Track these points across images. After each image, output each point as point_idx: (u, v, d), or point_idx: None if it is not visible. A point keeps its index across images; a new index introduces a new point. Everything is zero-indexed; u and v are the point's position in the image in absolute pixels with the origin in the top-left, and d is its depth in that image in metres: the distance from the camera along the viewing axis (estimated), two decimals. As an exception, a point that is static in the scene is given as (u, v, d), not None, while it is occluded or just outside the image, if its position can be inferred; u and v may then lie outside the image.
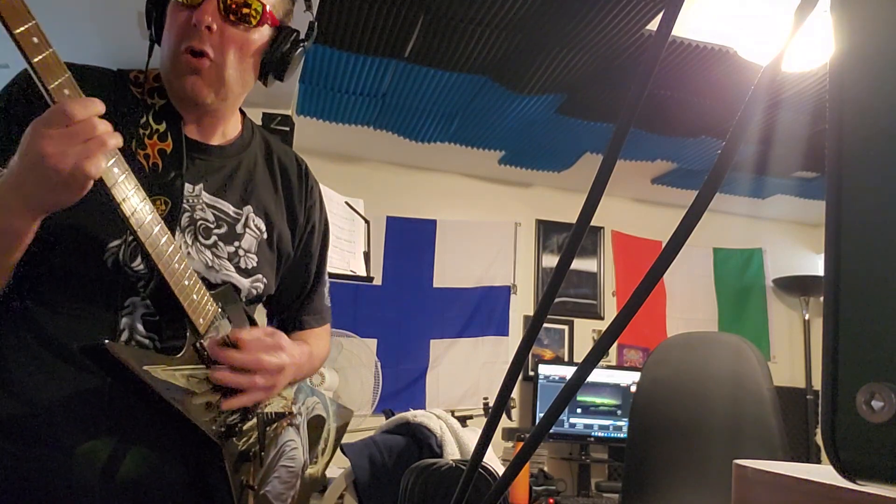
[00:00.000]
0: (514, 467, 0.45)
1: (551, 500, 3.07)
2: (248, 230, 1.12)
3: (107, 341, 0.87)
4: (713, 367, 1.59)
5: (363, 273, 2.81)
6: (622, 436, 3.52)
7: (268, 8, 1.04)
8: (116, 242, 0.98)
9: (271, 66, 1.10)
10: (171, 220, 1.00)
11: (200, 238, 1.05)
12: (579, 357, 3.98)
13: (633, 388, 3.54)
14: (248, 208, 1.13)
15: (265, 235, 1.15)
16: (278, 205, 1.19)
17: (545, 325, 3.95)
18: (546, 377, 3.57)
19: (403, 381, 3.63)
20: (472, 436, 2.08)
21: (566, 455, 3.67)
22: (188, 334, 0.98)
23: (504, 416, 2.36)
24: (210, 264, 1.06)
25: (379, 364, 3.01)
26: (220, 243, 1.08)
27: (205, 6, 0.99)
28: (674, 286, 4.17)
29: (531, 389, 3.62)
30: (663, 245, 0.41)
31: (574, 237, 0.44)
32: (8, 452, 0.94)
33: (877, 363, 0.31)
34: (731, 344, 1.60)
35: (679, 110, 3.02)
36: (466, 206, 4.01)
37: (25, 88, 0.98)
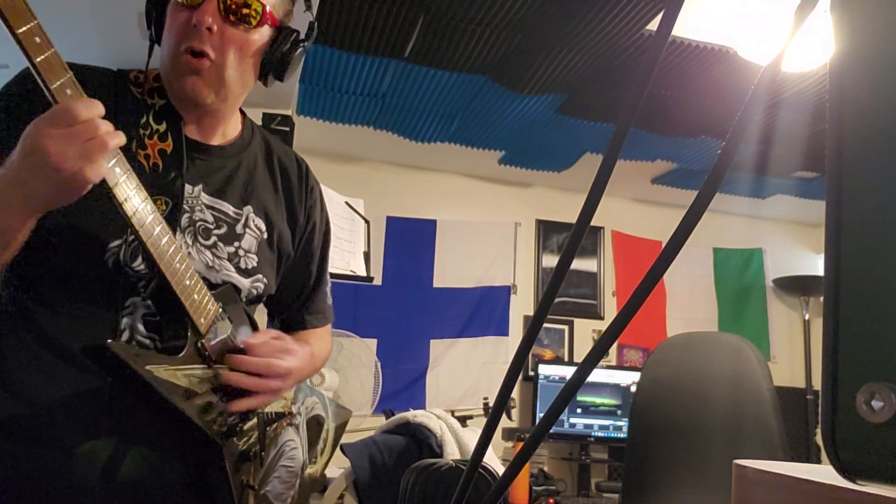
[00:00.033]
0: (514, 467, 0.45)
1: (551, 500, 3.07)
2: (248, 230, 1.12)
3: (109, 341, 0.88)
4: (713, 367, 1.59)
5: (363, 273, 2.81)
6: (622, 436, 3.52)
7: (268, 8, 1.04)
8: (117, 242, 0.98)
9: (271, 66, 1.10)
10: (172, 221, 1.00)
11: (200, 239, 1.05)
12: (579, 357, 3.98)
13: (633, 388, 3.54)
14: (248, 208, 1.13)
15: (265, 235, 1.15)
16: (278, 204, 1.19)
17: (545, 325, 3.95)
18: (546, 377, 3.57)
19: (403, 381, 3.63)
20: (472, 436, 2.08)
21: (566, 455, 3.67)
22: (189, 334, 0.98)
23: (504, 416, 2.36)
24: (210, 264, 1.06)
25: (379, 364, 3.01)
26: (220, 244, 1.08)
27: (205, 6, 0.99)
28: (674, 286, 4.17)
29: (531, 389, 3.62)
30: (663, 245, 0.41)
31: (574, 237, 0.44)
32: (8, 452, 0.94)
33: (877, 363, 0.31)
34: (731, 344, 1.60)
35: (679, 110, 3.02)
36: (466, 206, 4.01)
37: (26, 86, 0.98)
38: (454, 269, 3.88)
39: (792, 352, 4.30)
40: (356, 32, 2.53)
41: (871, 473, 0.32)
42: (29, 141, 0.81)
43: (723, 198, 4.02)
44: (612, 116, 3.12)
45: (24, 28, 0.79)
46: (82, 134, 0.81)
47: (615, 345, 3.94)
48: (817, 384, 4.00)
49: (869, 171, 0.33)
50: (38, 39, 0.80)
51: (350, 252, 2.75)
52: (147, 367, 0.90)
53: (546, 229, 4.12)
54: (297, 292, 1.28)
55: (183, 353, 0.96)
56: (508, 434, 3.40)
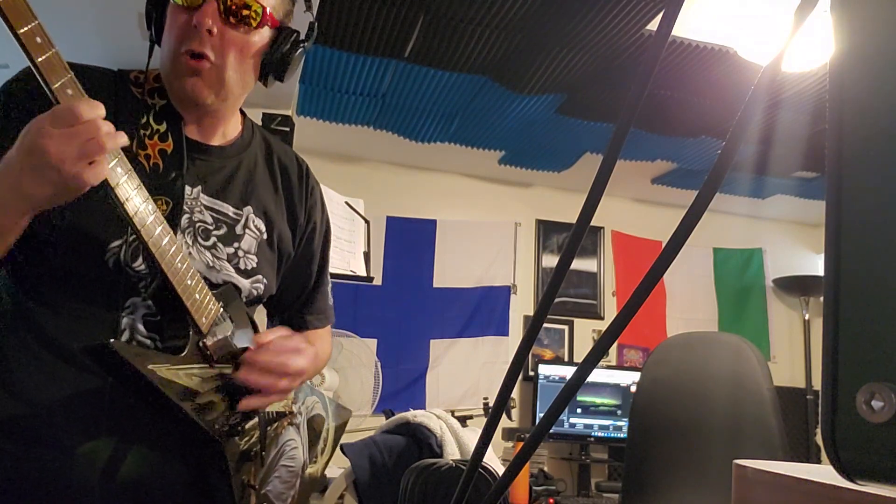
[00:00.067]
0: (514, 467, 0.45)
1: (551, 500, 3.07)
2: (247, 231, 1.12)
3: (111, 340, 0.88)
4: (713, 367, 1.59)
5: (363, 273, 2.81)
6: (622, 436, 3.52)
7: (268, 10, 1.04)
8: (117, 243, 0.98)
9: (271, 66, 1.10)
10: (172, 221, 1.00)
11: (200, 240, 1.05)
12: (579, 357, 3.98)
13: (633, 388, 3.54)
14: (248, 209, 1.13)
15: (265, 236, 1.15)
16: (278, 205, 1.19)
17: (545, 325, 3.95)
18: (546, 377, 3.57)
19: (403, 381, 3.63)
20: (472, 436, 2.08)
21: (566, 455, 3.68)
22: (191, 334, 0.98)
23: (504, 416, 2.36)
24: (211, 264, 1.06)
25: (379, 364, 3.01)
26: (220, 244, 1.08)
27: (205, 8, 0.98)
28: (674, 286, 4.17)
29: (531, 389, 3.62)
30: (663, 245, 0.41)
31: (574, 237, 0.44)
32: (8, 452, 0.94)
33: (877, 363, 0.31)
34: (731, 344, 1.60)
35: (679, 110, 3.02)
36: (466, 206, 4.01)
37: (27, 84, 0.98)
38: (454, 269, 3.88)
39: (792, 352, 4.30)
40: (356, 32, 2.53)
41: (871, 473, 0.32)
42: (28, 139, 0.81)
43: (723, 198, 4.03)
44: (612, 116, 3.12)
45: (26, 28, 0.79)
46: (83, 134, 0.81)
47: (615, 345, 3.95)
48: (817, 384, 4.00)
49: (869, 171, 0.33)
50: (39, 39, 0.81)
51: (350, 252, 2.75)
52: (149, 367, 0.90)
53: (546, 229, 4.13)
54: (297, 293, 1.28)
55: (184, 352, 0.97)
56: (508, 434, 3.40)
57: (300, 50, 1.11)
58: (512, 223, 4.03)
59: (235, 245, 1.10)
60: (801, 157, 3.41)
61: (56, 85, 0.82)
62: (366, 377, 2.94)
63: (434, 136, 3.48)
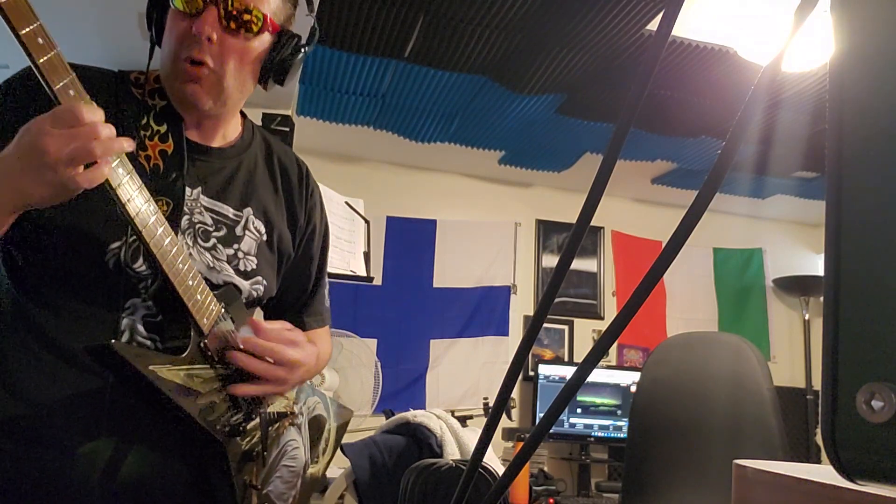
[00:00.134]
0: (514, 467, 0.45)
1: (551, 500, 3.07)
2: (247, 232, 1.12)
3: (112, 341, 0.88)
4: (713, 367, 1.59)
5: (363, 273, 2.81)
6: (622, 436, 3.52)
7: (269, 16, 1.03)
8: (117, 244, 0.98)
9: (271, 71, 1.09)
10: (173, 222, 1.00)
11: (200, 241, 1.05)
12: (579, 357, 3.98)
13: (633, 388, 3.54)
14: (248, 210, 1.13)
15: (265, 237, 1.15)
16: (278, 206, 1.19)
17: (545, 325, 3.95)
18: (546, 377, 3.57)
19: (403, 381, 3.63)
20: (472, 436, 2.08)
21: (566, 455, 3.67)
22: (192, 334, 0.98)
23: (504, 416, 2.36)
24: (212, 265, 1.06)
25: (379, 364, 3.01)
26: (220, 246, 1.08)
27: (205, 16, 0.98)
28: (674, 286, 4.17)
29: (531, 389, 3.62)
30: (663, 245, 0.41)
31: (574, 237, 0.44)
32: (9, 453, 0.94)
33: (877, 363, 0.31)
34: (731, 344, 1.60)
35: (679, 110, 3.02)
36: (466, 206, 4.01)
37: (26, 81, 0.98)
38: (454, 269, 3.88)
39: (792, 352, 4.30)
40: (356, 32, 2.53)
41: (871, 473, 0.32)
42: (28, 138, 0.81)
43: (723, 198, 4.03)
44: (612, 116, 3.12)
45: (27, 29, 0.79)
46: (84, 136, 0.80)
47: (615, 345, 3.95)
48: (817, 384, 4.00)
49: (869, 171, 0.33)
50: (40, 40, 0.80)
51: (350, 252, 2.75)
52: (150, 367, 0.90)
53: (546, 229, 4.13)
54: (296, 294, 1.28)
55: (185, 353, 0.97)
56: (508, 434, 3.40)
57: (301, 55, 1.11)
58: (512, 223, 4.03)
59: (235, 246, 1.10)
60: (801, 157, 3.41)
61: (58, 86, 0.82)
62: (366, 377, 2.94)
63: (434, 136, 3.48)
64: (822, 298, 0.35)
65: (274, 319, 1.29)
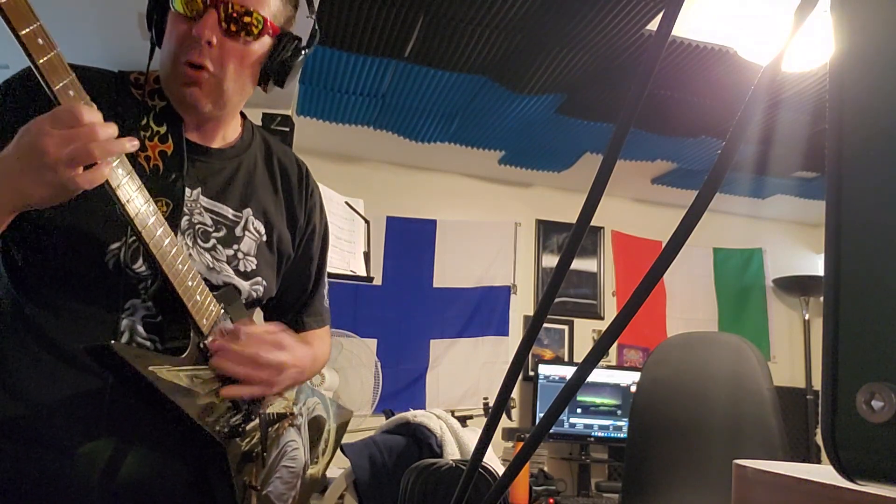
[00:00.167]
0: (514, 467, 0.45)
1: (551, 500, 3.07)
2: (247, 233, 1.12)
3: (112, 342, 0.88)
4: (713, 367, 1.59)
5: (363, 273, 2.81)
6: (622, 436, 3.52)
7: (269, 19, 1.03)
8: (117, 244, 0.98)
9: (271, 73, 1.09)
10: (173, 223, 1.00)
11: (199, 241, 1.05)
12: (579, 357, 3.98)
13: (633, 388, 3.54)
14: (248, 211, 1.13)
15: (265, 238, 1.15)
16: (278, 206, 1.19)
17: (545, 325, 3.95)
18: (546, 377, 3.57)
19: (403, 381, 3.63)
20: (472, 436, 2.08)
21: (566, 455, 3.67)
22: (191, 335, 0.98)
23: (504, 416, 2.35)
24: (211, 266, 1.06)
25: (379, 364, 3.01)
26: (219, 246, 1.08)
27: (205, 19, 0.98)
28: (674, 286, 4.17)
29: (531, 389, 3.62)
30: (663, 245, 0.41)
31: (574, 237, 0.44)
32: (8, 453, 0.94)
33: (877, 363, 0.31)
34: (731, 344, 1.60)
35: (679, 110, 3.02)
36: (466, 206, 4.01)
37: (26, 82, 0.98)
38: (454, 269, 3.88)
39: (792, 352, 4.30)
40: (356, 32, 2.53)
41: (871, 473, 0.32)
42: (27, 138, 0.81)
43: (723, 198, 4.02)
44: (612, 116, 3.12)
45: (27, 30, 0.79)
46: (83, 137, 0.80)
47: (615, 345, 3.95)
48: (817, 384, 3.99)
49: (869, 171, 0.33)
50: (40, 41, 0.80)
51: (350, 252, 2.75)
52: (150, 368, 0.90)
53: (546, 229, 4.13)
54: (296, 295, 1.28)
55: (185, 353, 0.97)
56: (508, 434, 3.40)
57: (301, 57, 1.11)
58: (512, 223, 4.03)
59: (235, 247, 1.10)
60: (801, 157, 3.41)
61: (58, 86, 0.82)
62: (366, 377, 2.94)
63: (434, 136, 3.48)
64: (822, 298, 0.35)
65: (274, 320, 1.29)
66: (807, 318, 4.25)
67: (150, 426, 0.98)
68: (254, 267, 1.12)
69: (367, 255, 2.88)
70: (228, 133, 1.15)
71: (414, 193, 3.92)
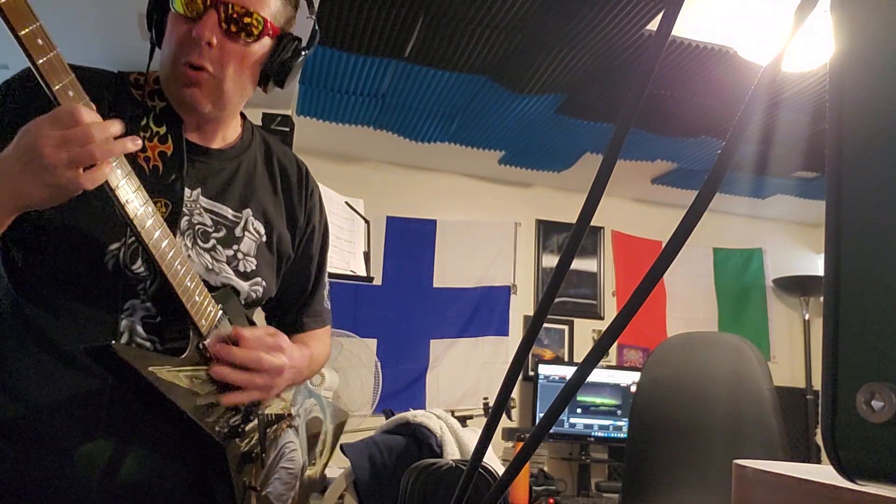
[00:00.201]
0: (514, 467, 0.45)
1: (551, 500, 3.07)
2: (246, 233, 1.12)
3: (112, 342, 0.88)
4: (713, 367, 1.59)
5: (363, 273, 2.81)
6: (622, 436, 3.52)
7: (269, 20, 1.03)
8: (116, 245, 0.98)
9: (272, 74, 1.09)
10: (172, 223, 1.00)
11: (199, 242, 1.05)
12: (579, 357, 3.98)
13: (633, 388, 3.54)
14: (248, 211, 1.13)
15: (264, 238, 1.14)
16: (277, 207, 1.19)
17: (545, 325, 3.95)
18: (546, 377, 3.57)
19: (403, 381, 3.63)
20: (472, 436, 2.08)
21: (566, 455, 3.67)
22: (191, 336, 0.98)
23: (504, 416, 2.35)
24: (210, 267, 1.06)
25: (379, 364, 3.01)
26: (219, 247, 1.08)
27: (205, 20, 0.97)
28: (674, 286, 4.17)
29: (531, 389, 3.62)
30: (663, 245, 0.41)
31: (574, 237, 0.44)
32: (8, 454, 0.94)
33: (877, 363, 0.31)
34: (731, 344, 1.60)
35: (679, 110, 3.02)
36: (466, 206, 4.01)
37: (26, 82, 0.98)
38: (454, 269, 3.88)
39: (792, 352, 4.30)
40: (356, 32, 2.53)
41: (871, 473, 0.32)
42: (26, 139, 0.81)
43: (723, 198, 4.02)
44: (612, 116, 3.12)
45: (27, 30, 0.79)
46: (82, 139, 0.80)
47: (615, 345, 3.95)
48: (817, 384, 3.99)
49: (869, 171, 0.33)
50: (40, 41, 0.80)
51: (350, 252, 2.75)
52: (150, 369, 0.90)
53: (546, 229, 4.13)
54: (296, 295, 1.28)
55: (185, 354, 0.97)
56: (508, 434, 3.40)
57: (301, 57, 1.11)
58: (512, 223, 4.03)
59: (235, 247, 1.10)
60: (801, 157, 3.41)
61: (57, 87, 0.82)
62: (366, 377, 2.94)
63: (434, 136, 3.48)
64: (822, 298, 0.35)
65: (274, 320, 1.30)
66: (807, 318, 4.25)
67: (150, 427, 0.98)
68: (253, 267, 1.12)
69: (367, 255, 2.88)
70: (228, 133, 1.15)
71: (414, 193, 3.92)
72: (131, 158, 0.97)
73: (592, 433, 3.54)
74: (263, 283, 1.14)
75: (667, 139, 3.33)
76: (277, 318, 1.29)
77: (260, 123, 2.62)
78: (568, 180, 3.97)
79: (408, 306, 3.75)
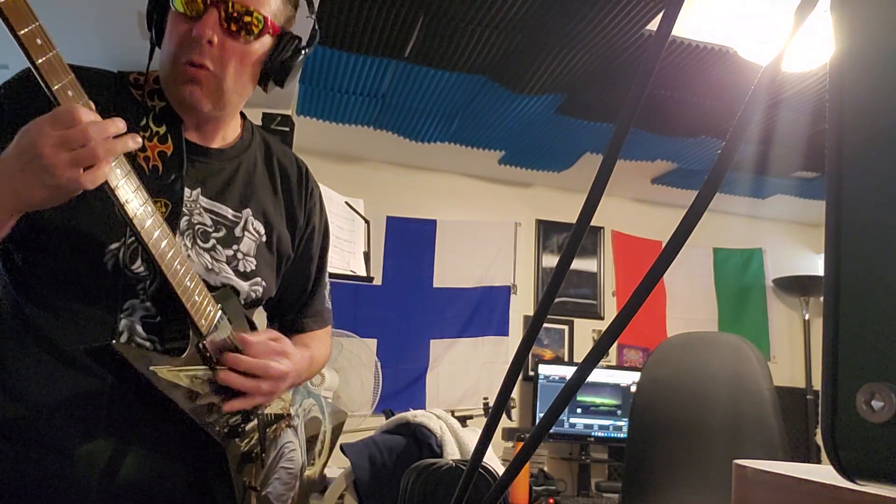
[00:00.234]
0: (514, 467, 0.45)
1: (551, 500, 3.07)
2: (246, 233, 1.12)
3: (113, 342, 0.88)
4: (713, 367, 1.59)
5: (363, 273, 2.81)
6: (622, 436, 3.52)
7: (269, 18, 1.03)
8: (116, 245, 0.98)
9: (272, 73, 1.09)
10: (172, 223, 1.00)
11: (199, 242, 1.05)
12: (579, 357, 3.98)
13: (633, 388, 3.54)
14: (248, 211, 1.13)
15: (264, 238, 1.14)
16: (277, 207, 1.19)
17: (545, 325, 3.95)
18: (546, 377, 3.57)
19: (403, 381, 3.63)
20: (472, 436, 2.08)
21: (566, 455, 3.67)
22: (190, 335, 0.98)
23: (504, 416, 2.35)
24: (210, 267, 1.06)
25: (379, 364, 3.01)
26: (219, 247, 1.08)
27: (206, 19, 0.97)
28: (674, 286, 4.17)
29: (531, 389, 3.62)
30: (663, 245, 0.41)
31: (574, 237, 0.44)
32: (8, 454, 0.94)
33: (877, 363, 0.31)
34: (731, 344, 1.60)
35: (679, 110, 3.02)
36: (466, 206, 4.01)
37: (26, 82, 0.98)
38: (454, 269, 3.88)
39: (792, 352, 4.30)
40: (356, 32, 2.53)
41: (871, 473, 0.32)
42: (25, 139, 0.81)
43: (723, 198, 4.02)
44: (612, 116, 3.12)
45: (26, 30, 0.79)
46: (81, 138, 0.80)
47: (615, 345, 3.94)
48: (817, 384, 3.99)
49: (869, 171, 0.33)
50: (39, 41, 0.80)
51: (350, 252, 2.75)
52: (150, 368, 0.90)
53: (546, 229, 4.12)
54: (296, 295, 1.28)
55: (185, 354, 0.97)
56: (508, 434, 3.40)
57: (301, 56, 1.11)
58: (512, 223, 4.03)
59: (234, 247, 1.10)
60: (801, 157, 3.41)
61: (56, 86, 0.82)
62: (366, 377, 2.94)
63: (434, 136, 3.48)
64: (822, 298, 0.35)
65: (275, 320, 1.30)
66: (807, 318, 4.25)
67: (150, 427, 0.98)
68: (253, 267, 1.12)
69: (367, 255, 2.88)
70: (228, 133, 1.15)
71: (414, 193, 3.92)
72: (131, 158, 0.97)
73: (592, 433, 3.54)
74: (263, 283, 1.14)
75: (667, 139, 3.33)
76: (278, 318, 1.29)
77: (260, 123, 2.62)
78: (568, 180, 3.97)
79: (408, 306, 3.75)
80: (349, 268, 2.71)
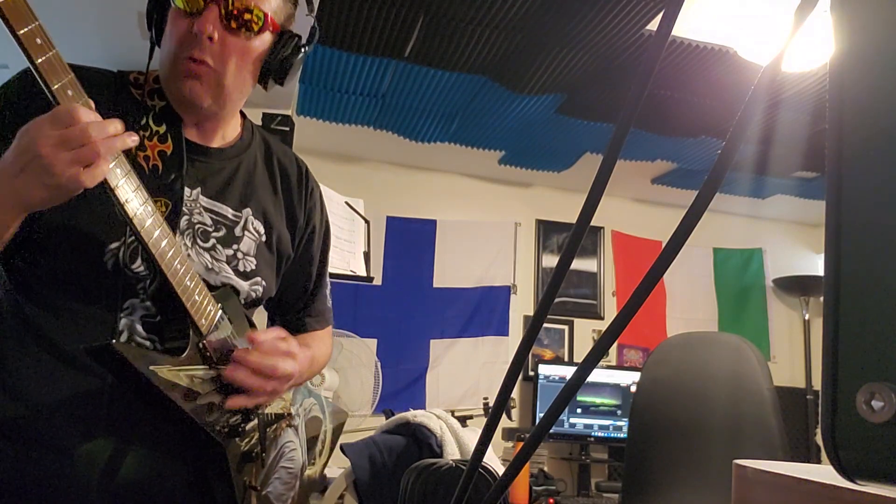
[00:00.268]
0: (514, 467, 0.45)
1: (551, 500, 3.07)
2: (246, 233, 1.12)
3: (113, 341, 0.88)
4: (713, 367, 1.59)
5: (363, 273, 2.81)
6: (622, 436, 3.52)
7: (269, 15, 1.03)
8: (116, 244, 0.98)
9: (272, 71, 1.09)
10: (172, 222, 1.00)
11: (199, 241, 1.05)
12: (579, 357, 3.98)
13: (633, 388, 3.54)
14: (248, 211, 1.13)
15: (264, 238, 1.14)
16: (277, 206, 1.19)
17: (545, 325, 3.95)
18: (546, 377, 3.57)
19: (403, 381, 3.63)
20: (472, 436, 2.08)
21: (566, 455, 3.67)
22: (190, 335, 0.98)
23: (504, 416, 2.35)
24: (210, 266, 1.06)
25: (379, 364, 3.01)
26: (219, 246, 1.08)
27: (206, 15, 0.98)
28: (674, 286, 4.17)
29: (531, 389, 3.62)
30: (663, 245, 0.41)
31: (574, 237, 0.44)
32: (8, 454, 0.94)
33: (877, 363, 0.31)
34: (731, 344, 1.60)
35: (679, 110, 3.02)
36: (466, 206, 4.01)
37: (26, 82, 0.98)
38: (454, 269, 3.88)
39: (792, 352, 4.30)
40: (356, 32, 2.53)
41: (871, 473, 0.32)
42: (25, 139, 0.81)
43: (723, 198, 4.02)
44: (612, 116, 3.12)
45: (26, 29, 0.79)
46: (80, 138, 0.80)
47: (615, 345, 3.94)
48: (817, 384, 3.99)
49: (869, 171, 0.33)
50: (39, 41, 0.80)
51: (350, 252, 2.75)
52: (151, 368, 0.90)
53: (546, 229, 4.12)
54: (297, 294, 1.27)
55: (185, 353, 0.97)
56: (508, 434, 3.40)
57: (301, 54, 1.11)
58: (512, 223, 4.03)
59: (234, 247, 1.10)
60: (801, 157, 3.41)
61: (56, 86, 0.82)
62: (366, 377, 2.94)
63: (434, 136, 3.48)
64: (822, 298, 0.35)
65: (276, 320, 1.29)
66: (807, 318, 4.25)
67: (150, 426, 0.98)
68: (253, 267, 1.12)
69: (367, 255, 2.88)
70: (228, 132, 1.15)
71: (414, 193, 3.92)
72: (131, 158, 0.97)
73: (592, 433, 3.54)
74: (263, 283, 1.14)
75: (667, 139, 3.33)
76: (279, 317, 1.29)
77: (260, 123, 2.62)
78: (568, 180, 3.97)
79: (408, 306, 3.75)
80: (349, 268, 2.71)
